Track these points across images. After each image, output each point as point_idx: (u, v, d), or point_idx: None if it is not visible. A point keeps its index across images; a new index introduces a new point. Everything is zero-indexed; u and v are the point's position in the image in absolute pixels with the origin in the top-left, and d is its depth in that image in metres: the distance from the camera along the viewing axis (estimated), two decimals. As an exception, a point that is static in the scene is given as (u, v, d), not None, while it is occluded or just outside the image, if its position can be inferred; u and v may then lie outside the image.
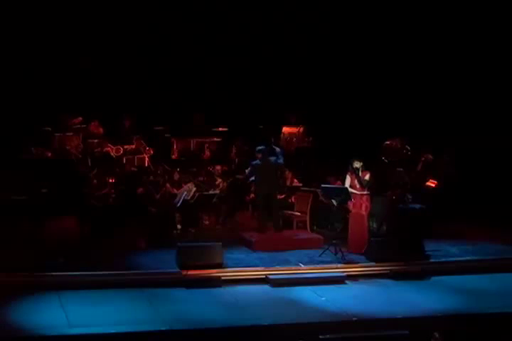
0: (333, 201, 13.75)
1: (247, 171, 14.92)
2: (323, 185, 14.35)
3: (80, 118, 17.22)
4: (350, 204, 13.79)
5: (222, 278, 12.46)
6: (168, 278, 12.38)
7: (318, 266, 13.07)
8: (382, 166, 15.96)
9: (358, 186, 13.76)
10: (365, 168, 13.86)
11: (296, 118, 18.25)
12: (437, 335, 9.78)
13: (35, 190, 14.60)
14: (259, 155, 14.37)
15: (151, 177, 15.45)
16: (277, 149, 15.47)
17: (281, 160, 15.11)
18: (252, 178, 14.85)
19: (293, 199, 15.50)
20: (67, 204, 14.27)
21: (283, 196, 15.23)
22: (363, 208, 13.77)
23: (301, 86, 18.55)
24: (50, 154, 16.28)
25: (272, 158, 14.68)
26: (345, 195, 13.57)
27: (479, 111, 18.10)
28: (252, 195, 15.35)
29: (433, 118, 18.10)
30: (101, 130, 17.33)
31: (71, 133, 16.96)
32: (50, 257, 12.76)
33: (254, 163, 14.44)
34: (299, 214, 15.08)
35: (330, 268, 13.05)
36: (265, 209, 14.37)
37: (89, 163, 16.26)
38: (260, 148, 14.54)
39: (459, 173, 16.05)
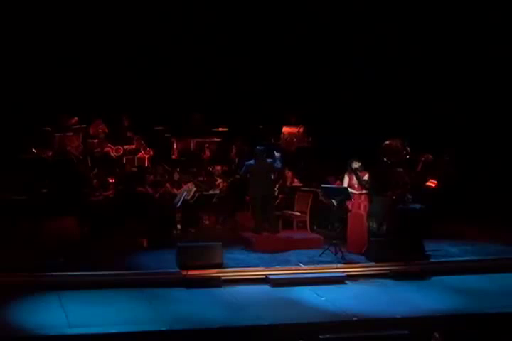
0: (333, 201, 13.75)
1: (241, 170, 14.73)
2: (323, 185, 14.36)
3: (76, 119, 17.18)
4: (349, 204, 13.81)
5: (222, 278, 12.45)
6: (168, 278, 12.37)
7: (318, 266, 13.06)
8: (383, 166, 15.93)
9: (356, 186, 13.80)
10: (364, 168, 13.89)
11: (296, 118, 18.24)
12: (437, 335, 9.80)
13: (35, 190, 14.61)
14: (255, 156, 14.13)
15: (151, 177, 15.44)
16: (277, 155, 14.53)
17: (278, 165, 14.38)
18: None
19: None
20: (67, 204, 14.27)
21: (282, 196, 15.23)
22: (362, 208, 13.81)
23: (301, 86, 18.55)
24: (50, 154, 16.28)
25: (268, 160, 14.29)
26: (345, 194, 13.58)
27: (479, 111, 18.10)
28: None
29: (433, 118, 18.09)
30: (105, 129, 17.31)
31: (71, 134, 16.96)
32: (50, 257, 12.75)
33: (248, 163, 14.21)
34: (298, 214, 15.07)
35: (330, 268, 13.04)
36: (261, 210, 14.21)
37: (90, 163, 16.27)
38: (258, 148, 14.37)
39: (459, 173, 16.04)
